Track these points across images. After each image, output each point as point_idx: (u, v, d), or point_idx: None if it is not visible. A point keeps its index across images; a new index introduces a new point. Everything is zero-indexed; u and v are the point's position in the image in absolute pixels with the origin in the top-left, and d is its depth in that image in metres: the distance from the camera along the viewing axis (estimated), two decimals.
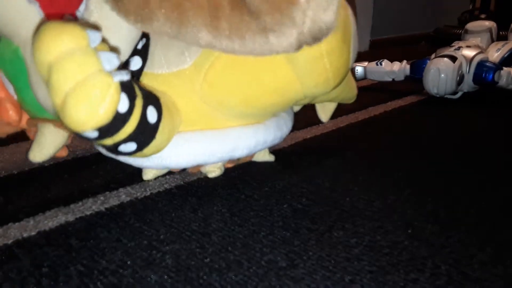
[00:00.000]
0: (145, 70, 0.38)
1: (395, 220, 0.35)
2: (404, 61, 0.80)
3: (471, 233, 0.33)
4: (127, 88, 0.31)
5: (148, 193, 0.39)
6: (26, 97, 0.39)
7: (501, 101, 0.76)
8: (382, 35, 1.50)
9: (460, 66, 0.71)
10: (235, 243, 0.32)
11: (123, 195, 0.39)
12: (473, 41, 0.81)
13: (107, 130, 0.31)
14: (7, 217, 0.35)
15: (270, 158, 0.46)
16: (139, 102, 0.32)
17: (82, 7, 0.34)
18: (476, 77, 0.73)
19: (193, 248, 0.31)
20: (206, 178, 0.43)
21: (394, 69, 0.80)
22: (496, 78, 0.72)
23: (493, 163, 0.47)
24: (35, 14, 0.34)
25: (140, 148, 0.34)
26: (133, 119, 0.32)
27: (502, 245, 0.31)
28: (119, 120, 0.31)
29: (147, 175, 0.42)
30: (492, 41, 0.83)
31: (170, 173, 0.43)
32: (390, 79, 0.81)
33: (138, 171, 0.43)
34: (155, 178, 0.42)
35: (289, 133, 0.46)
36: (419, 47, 1.52)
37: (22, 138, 0.52)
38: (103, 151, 0.40)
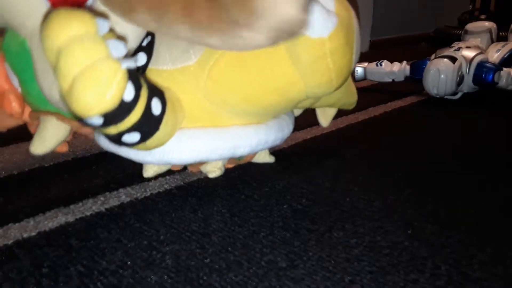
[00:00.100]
0: (150, 66, 0.38)
1: (395, 220, 0.35)
2: (404, 62, 0.80)
3: (471, 233, 0.33)
4: (133, 77, 0.32)
5: (148, 194, 0.39)
6: (30, 89, 0.39)
7: (501, 102, 0.76)
8: (382, 35, 1.50)
9: (460, 66, 0.71)
10: (235, 244, 0.32)
11: (123, 196, 0.39)
12: (473, 41, 0.81)
13: (112, 118, 0.31)
14: (7, 217, 0.35)
15: (270, 159, 0.46)
16: (144, 92, 0.33)
17: (90, 0, 0.34)
18: (476, 78, 0.73)
19: (193, 249, 0.31)
20: (206, 178, 0.43)
21: (394, 69, 0.80)
22: (496, 79, 0.72)
23: (493, 163, 0.47)
24: (43, 5, 0.34)
25: (143, 139, 0.34)
26: (138, 108, 0.32)
27: (502, 245, 0.31)
28: (124, 108, 0.31)
29: (148, 172, 0.42)
30: (492, 41, 0.83)
31: (170, 173, 0.43)
32: (390, 80, 0.81)
33: (138, 172, 0.43)
34: (155, 178, 0.42)
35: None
36: (419, 48, 1.52)
37: (22, 138, 0.52)
38: (105, 145, 0.40)
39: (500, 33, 0.89)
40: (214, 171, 0.42)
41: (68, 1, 0.35)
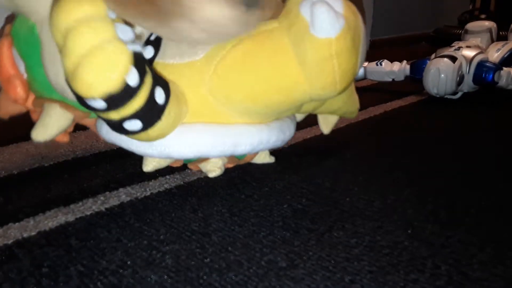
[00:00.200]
0: (157, 59, 0.38)
1: (395, 220, 0.35)
2: (404, 61, 0.80)
3: (471, 233, 0.33)
4: (138, 63, 0.32)
5: (148, 193, 0.39)
6: (36, 75, 0.40)
7: (501, 101, 0.76)
8: (382, 35, 1.50)
9: (460, 66, 0.71)
10: (235, 243, 0.32)
11: (123, 195, 0.39)
12: (473, 41, 0.81)
13: (115, 101, 0.31)
14: (7, 217, 0.35)
15: (270, 160, 0.46)
16: (148, 80, 0.33)
17: None
18: (476, 77, 0.73)
19: (193, 248, 0.31)
20: (206, 178, 0.43)
21: (394, 69, 0.80)
22: (496, 78, 0.72)
23: (493, 163, 0.47)
24: None
25: (145, 127, 0.35)
26: (141, 94, 0.32)
27: (502, 245, 0.31)
28: (127, 92, 0.31)
29: (147, 167, 0.42)
30: (492, 41, 0.83)
31: (170, 172, 0.43)
32: (390, 79, 0.81)
33: (138, 171, 0.43)
34: (155, 178, 0.42)
35: None
36: (419, 47, 1.52)
37: (22, 138, 0.52)
38: (106, 136, 0.40)
39: (500, 33, 0.89)
40: (214, 170, 0.42)
41: None
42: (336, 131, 0.52)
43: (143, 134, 0.35)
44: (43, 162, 0.46)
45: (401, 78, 0.80)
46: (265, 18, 0.37)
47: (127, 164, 0.45)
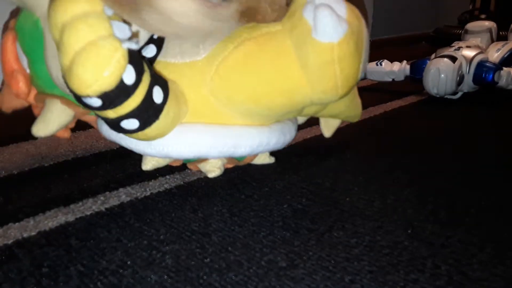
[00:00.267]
0: (159, 58, 0.38)
1: (395, 220, 0.35)
2: (404, 61, 0.80)
3: (471, 233, 0.33)
4: (135, 60, 0.32)
5: (148, 193, 0.39)
6: (39, 71, 0.40)
7: (501, 101, 0.76)
8: (382, 35, 1.50)
9: (460, 66, 0.71)
10: (235, 243, 0.32)
11: (123, 195, 0.39)
12: (473, 41, 0.81)
13: (110, 99, 0.31)
14: (7, 217, 0.35)
15: (270, 160, 0.46)
16: (146, 78, 0.33)
17: None
18: (476, 77, 0.73)
19: (193, 248, 0.31)
20: (206, 178, 0.43)
21: (394, 69, 0.80)
22: (496, 78, 0.72)
23: (493, 163, 0.47)
24: None
25: (142, 126, 0.34)
26: (138, 93, 0.32)
27: (502, 245, 0.31)
28: (123, 90, 0.31)
29: (147, 165, 0.42)
30: (492, 41, 0.83)
31: (170, 172, 0.43)
32: (390, 79, 0.81)
33: (138, 171, 0.43)
34: (155, 178, 0.42)
35: None
36: (419, 47, 1.52)
37: (22, 138, 0.52)
38: (107, 134, 0.40)
39: (500, 33, 0.89)
40: (213, 170, 0.42)
41: None
42: (336, 131, 0.52)
43: (140, 134, 0.35)
44: (43, 162, 0.46)
45: (401, 78, 0.80)
46: (243, 14, 0.36)
47: (127, 164, 0.45)
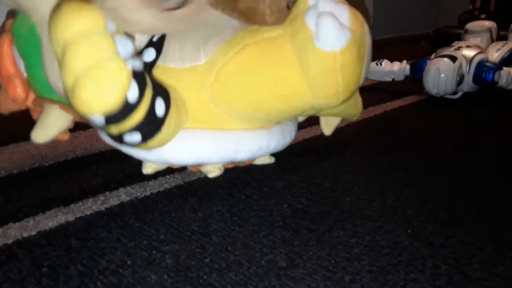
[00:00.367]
0: (158, 62, 0.38)
1: (395, 220, 0.35)
2: (404, 61, 0.80)
3: (471, 233, 0.33)
4: (138, 76, 0.31)
5: (148, 193, 0.39)
6: (36, 75, 0.39)
7: (501, 101, 0.76)
8: (382, 35, 1.50)
9: (460, 66, 0.71)
10: (235, 243, 0.32)
11: (123, 195, 0.39)
12: (473, 41, 0.81)
13: (114, 117, 0.31)
14: (7, 217, 0.35)
15: (270, 160, 0.46)
16: (148, 92, 0.32)
17: None
18: (476, 77, 0.73)
19: (193, 248, 0.31)
20: (206, 178, 0.43)
21: (394, 69, 0.80)
22: (496, 78, 0.72)
23: (493, 163, 0.47)
24: None
25: (144, 139, 0.34)
26: (141, 109, 0.32)
27: (502, 245, 0.31)
28: (127, 108, 0.31)
29: (147, 169, 0.42)
30: (492, 41, 0.83)
31: (170, 172, 0.43)
32: (390, 79, 0.81)
33: (138, 171, 0.43)
34: (155, 178, 0.42)
35: None
36: (419, 47, 1.52)
37: (22, 138, 0.52)
38: (106, 139, 0.40)
39: (500, 33, 0.89)
40: (213, 171, 0.42)
41: None
42: (336, 131, 0.52)
43: (143, 145, 0.35)
44: (43, 162, 0.46)
45: (401, 78, 0.80)
46: (242, 14, 0.36)
47: (127, 164, 0.45)
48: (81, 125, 0.49)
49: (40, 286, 0.27)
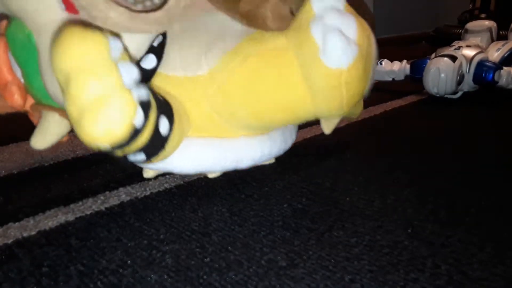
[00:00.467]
0: (158, 70, 0.37)
1: (395, 220, 0.35)
2: (404, 61, 0.80)
3: (471, 233, 0.33)
4: (144, 103, 0.31)
5: (148, 193, 0.39)
6: (34, 83, 0.38)
7: (501, 101, 0.76)
8: (382, 35, 1.50)
9: (460, 65, 0.71)
10: (235, 243, 0.32)
11: (123, 195, 0.39)
12: (473, 40, 0.81)
13: (120, 146, 0.31)
14: (7, 217, 0.35)
15: (270, 160, 0.46)
16: (153, 115, 0.32)
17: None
18: (476, 77, 0.73)
19: (193, 248, 0.31)
20: (206, 178, 0.43)
21: (394, 68, 0.80)
22: (496, 78, 0.72)
23: (493, 163, 0.47)
24: (56, 3, 0.33)
25: (148, 158, 0.34)
26: (145, 132, 0.31)
27: (502, 244, 0.31)
28: (133, 135, 0.30)
29: (148, 173, 0.42)
30: (492, 40, 0.83)
31: (170, 172, 0.43)
32: (390, 79, 0.81)
33: (138, 171, 0.43)
34: (155, 178, 0.42)
35: None
36: (419, 47, 1.52)
37: (22, 138, 0.52)
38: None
39: (500, 32, 0.89)
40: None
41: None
42: (336, 131, 0.52)
43: (147, 162, 0.35)
44: (43, 162, 0.46)
45: (401, 77, 0.80)
46: (244, 16, 0.36)
47: (127, 164, 0.45)
48: None
49: (40, 286, 0.27)
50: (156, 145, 0.34)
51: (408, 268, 0.29)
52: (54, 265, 0.29)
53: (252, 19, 0.36)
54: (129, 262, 0.29)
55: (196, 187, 0.41)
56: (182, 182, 0.42)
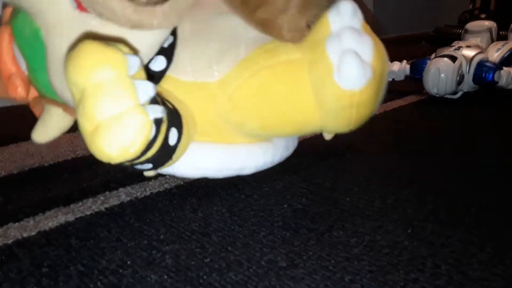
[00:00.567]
0: (168, 72, 0.37)
1: (395, 220, 0.35)
2: (404, 61, 0.80)
3: (471, 233, 0.33)
4: (158, 119, 0.30)
5: (148, 193, 0.39)
6: (39, 78, 0.38)
7: (501, 101, 0.75)
8: (382, 35, 1.50)
9: (460, 66, 0.71)
10: (235, 243, 0.32)
11: (123, 195, 0.39)
12: (473, 41, 0.80)
13: (131, 161, 0.31)
14: (7, 217, 0.35)
15: None
16: (163, 128, 0.32)
17: None
18: (476, 77, 0.73)
19: (193, 248, 0.31)
20: (206, 178, 0.43)
21: (394, 69, 0.80)
22: (496, 78, 0.72)
23: (493, 163, 0.47)
24: (67, 1, 0.33)
25: (155, 167, 0.35)
26: (155, 145, 0.31)
27: (502, 244, 0.31)
28: (144, 151, 0.30)
29: (149, 173, 0.42)
30: (492, 41, 0.83)
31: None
32: (390, 79, 0.81)
33: (138, 171, 0.43)
34: (155, 178, 0.42)
35: None
36: (419, 47, 1.52)
37: (22, 138, 0.52)
38: None
39: (500, 32, 0.89)
40: None
41: None
42: None
43: (152, 170, 0.35)
44: (43, 162, 0.46)
45: (401, 77, 0.80)
46: (258, 23, 0.35)
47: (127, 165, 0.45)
48: None
49: (40, 286, 0.27)
50: (164, 156, 0.34)
51: (408, 268, 0.29)
52: (54, 265, 0.29)
53: (268, 28, 0.35)
54: (129, 262, 0.29)
55: (196, 187, 0.41)
56: (182, 182, 0.42)
